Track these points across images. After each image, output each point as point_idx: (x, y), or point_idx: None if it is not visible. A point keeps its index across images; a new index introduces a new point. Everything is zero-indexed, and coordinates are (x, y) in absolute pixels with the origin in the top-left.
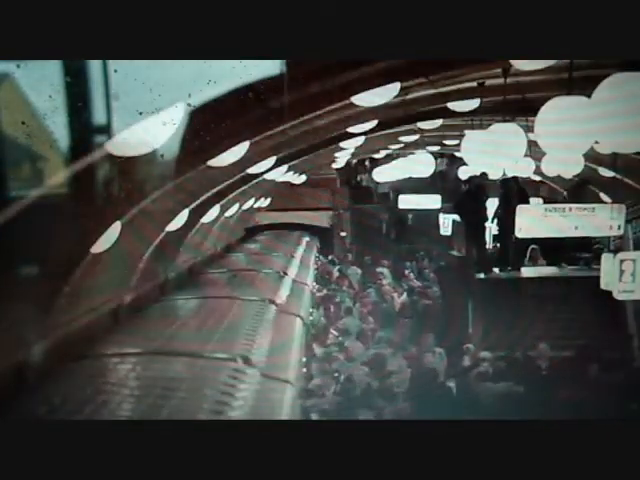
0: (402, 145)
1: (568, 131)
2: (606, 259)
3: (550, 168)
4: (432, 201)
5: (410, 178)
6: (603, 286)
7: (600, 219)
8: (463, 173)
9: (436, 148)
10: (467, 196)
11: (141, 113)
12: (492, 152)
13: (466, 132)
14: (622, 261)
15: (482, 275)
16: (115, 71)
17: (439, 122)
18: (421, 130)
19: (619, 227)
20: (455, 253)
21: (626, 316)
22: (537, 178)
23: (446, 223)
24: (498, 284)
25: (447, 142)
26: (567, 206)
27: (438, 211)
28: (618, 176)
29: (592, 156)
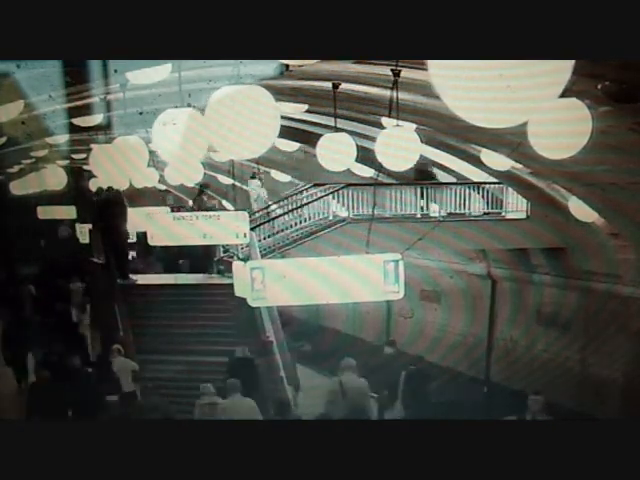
0: (33, 160)
1: (183, 141)
2: (237, 267)
3: (173, 177)
4: (68, 212)
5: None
6: (238, 293)
7: (226, 227)
8: (94, 185)
9: (65, 162)
10: (99, 207)
11: (141, 113)
12: (119, 164)
13: (93, 146)
14: (252, 269)
15: (121, 281)
16: (115, 71)
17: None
18: (50, 145)
19: (245, 235)
20: (96, 260)
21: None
22: (163, 187)
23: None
24: (138, 289)
25: (75, 156)
26: (194, 214)
27: (74, 221)
28: (237, 183)
29: (212, 164)
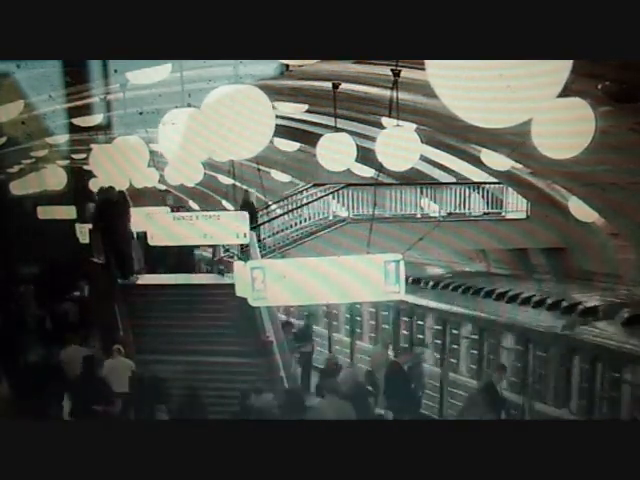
0: (33, 160)
1: (184, 141)
2: (238, 267)
3: (173, 177)
4: (68, 212)
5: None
6: (239, 293)
7: (226, 227)
8: (94, 185)
9: (66, 162)
10: (101, 207)
11: (141, 113)
12: (119, 164)
13: (93, 146)
14: (253, 269)
15: (121, 281)
16: (115, 71)
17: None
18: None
19: (245, 235)
20: (96, 260)
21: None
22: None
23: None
24: (138, 289)
25: (75, 156)
26: (194, 214)
27: (74, 221)
28: (237, 184)
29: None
